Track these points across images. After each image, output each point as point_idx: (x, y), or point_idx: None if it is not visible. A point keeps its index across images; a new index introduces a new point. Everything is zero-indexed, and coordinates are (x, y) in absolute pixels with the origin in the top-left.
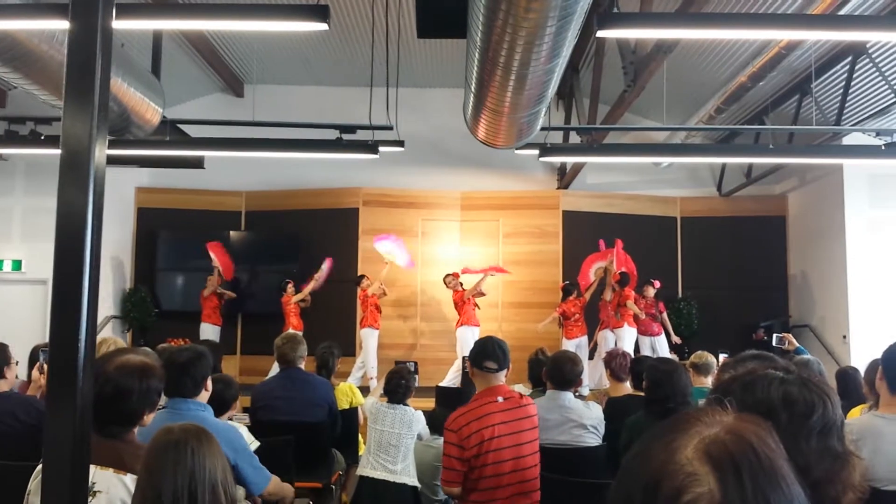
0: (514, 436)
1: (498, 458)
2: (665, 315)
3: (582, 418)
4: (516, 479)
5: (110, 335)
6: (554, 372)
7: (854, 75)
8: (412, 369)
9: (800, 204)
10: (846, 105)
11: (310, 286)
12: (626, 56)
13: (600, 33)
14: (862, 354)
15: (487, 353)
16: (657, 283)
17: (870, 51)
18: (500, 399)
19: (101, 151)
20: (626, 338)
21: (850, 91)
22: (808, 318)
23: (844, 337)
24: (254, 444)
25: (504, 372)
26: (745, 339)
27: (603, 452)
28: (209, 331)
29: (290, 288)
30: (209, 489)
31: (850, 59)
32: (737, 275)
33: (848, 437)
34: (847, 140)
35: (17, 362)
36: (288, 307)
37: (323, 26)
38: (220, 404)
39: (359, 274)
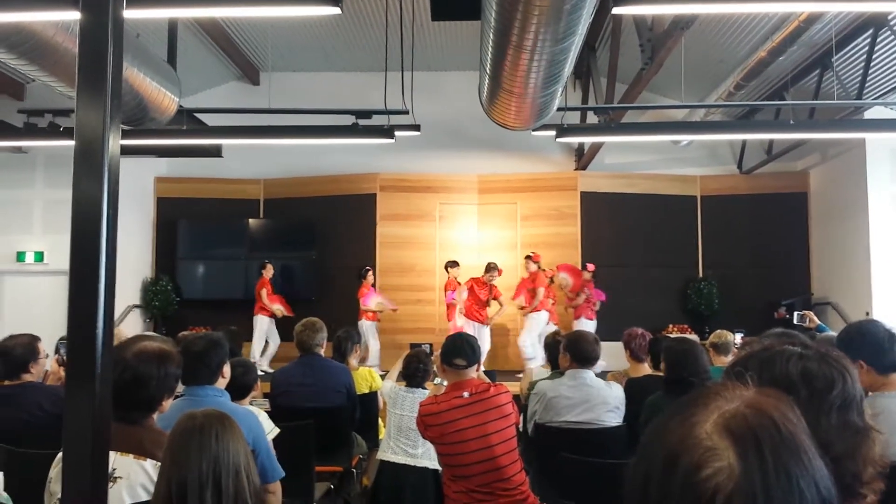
0: (479, 428)
1: (464, 450)
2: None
3: (604, 398)
4: (489, 467)
5: (119, 328)
6: (573, 349)
7: (875, 48)
8: (428, 352)
9: (822, 180)
10: (868, 78)
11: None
12: (642, 33)
13: (616, 10)
14: None
15: (457, 350)
16: (591, 267)
17: (891, 23)
18: (465, 394)
19: (115, 141)
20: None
21: (872, 64)
22: (830, 295)
23: (867, 313)
24: (273, 430)
25: (474, 367)
26: (766, 318)
27: (623, 433)
28: (264, 322)
29: (370, 276)
30: (233, 474)
31: (871, 31)
32: (758, 253)
33: (867, 411)
34: (869, 114)
35: (46, 355)
36: (361, 294)
37: (335, 10)
38: (241, 389)
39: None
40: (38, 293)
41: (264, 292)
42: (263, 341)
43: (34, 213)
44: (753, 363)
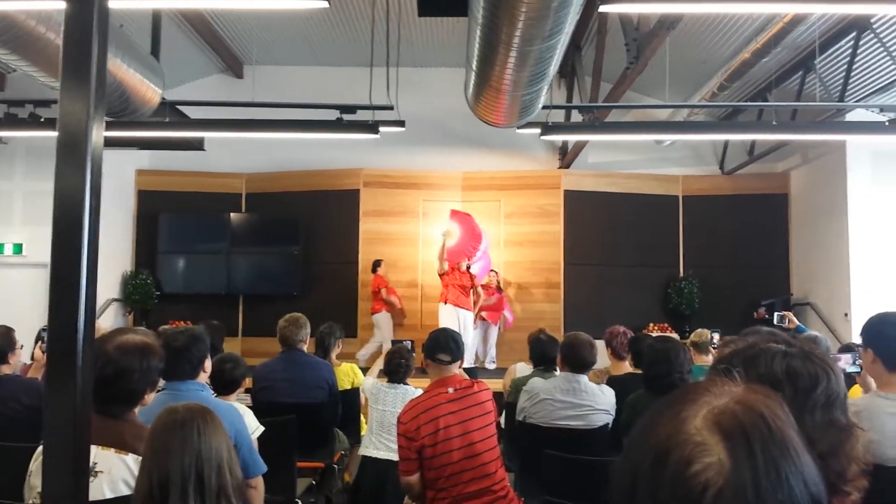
0: (462, 425)
1: (447, 448)
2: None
3: (596, 403)
4: (470, 465)
5: (100, 321)
6: (570, 354)
7: (858, 51)
8: (409, 347)
9: (802, 181)
10: (850, 81)
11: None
12: (628, 33)
13: (603, 7)
14: None
15: (441, 345)
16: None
17: (874, 26)
18: (450, 390)
19: (99, 132)
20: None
21: (854, 67)
22: (809, 295)
23: (846, 314)
24: (258, 429)
25: (457, 363)
26: (746, 318)
27: (606, 431)
28: (384, 318)
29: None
30: (216, 468)
31: (854, 34)
32: (739, 253)
33: (850, 408)
34: (850, 116)
35: (21, 346)
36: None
37: (323, 4)
38: (229, 383)
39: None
40: (17, 285)
41: (384, 291)
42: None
43: (13, 205)
44: (737, 361)
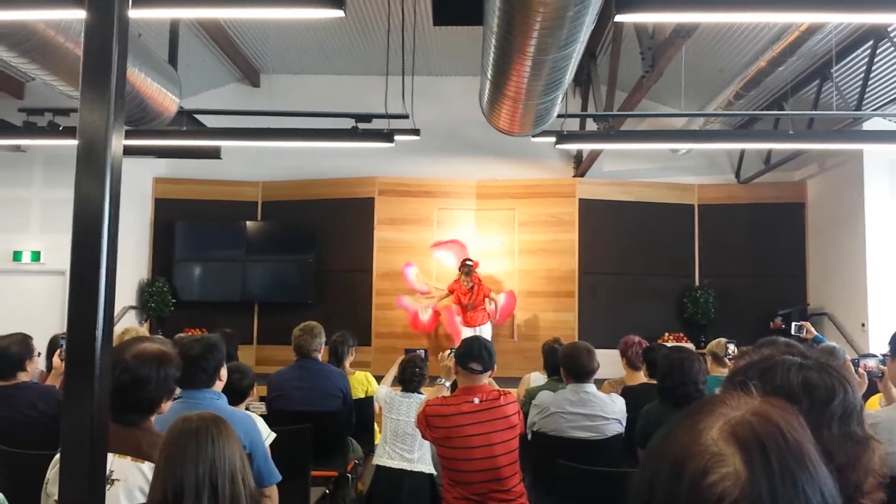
0: (486, 436)
1: (469, 456)
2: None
3: (606, 413)
4: (489, 476)
5: (132, 325)
6: (570, 364)
7: (875, 59)
8: (423, 356)
9: (819, 190)
10: (867, 90)
11: None
12: (643, 41)
13: (619, 17)
14: (881, 342)
15: (473, 354)
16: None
17: (891, 34)
18: (476, 401)
19: (118, 141)
20: None
21: (871, 75)
22: (826, 305)
23: (863, 325)
24: (270, 436)
25: (488, 373)
26: (762, 328)
27: (619, 441)
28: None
29: None
30: (229, 477)
31: (871, 42)
32: (755, 262)
33: (868, 420)
34: (868, 125)
35: (39, 353)
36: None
37: (339, 13)
38: (237, 394)
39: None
40: (34, 292)
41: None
42: None
43: (31, 213)
44: (753, 373)
